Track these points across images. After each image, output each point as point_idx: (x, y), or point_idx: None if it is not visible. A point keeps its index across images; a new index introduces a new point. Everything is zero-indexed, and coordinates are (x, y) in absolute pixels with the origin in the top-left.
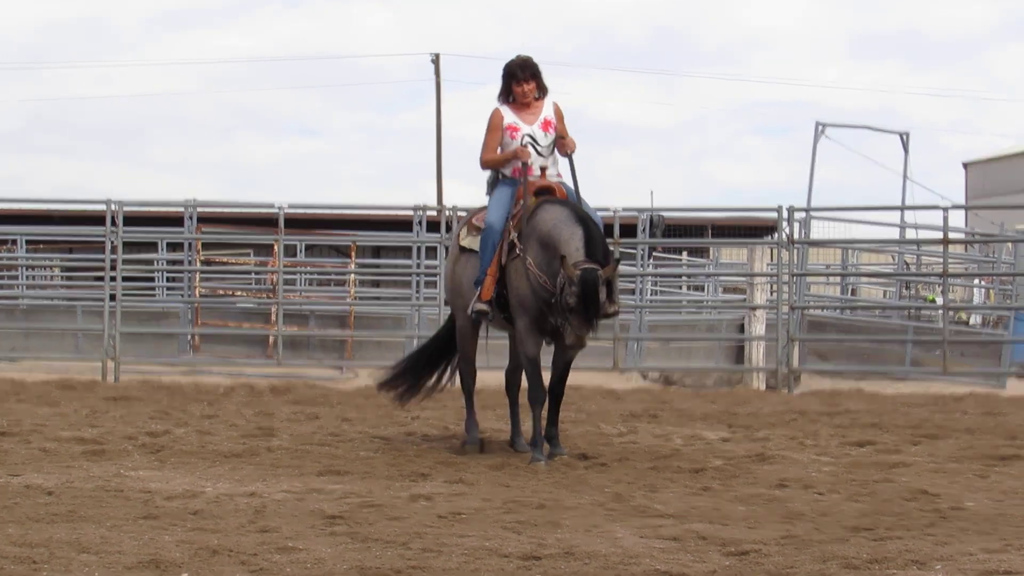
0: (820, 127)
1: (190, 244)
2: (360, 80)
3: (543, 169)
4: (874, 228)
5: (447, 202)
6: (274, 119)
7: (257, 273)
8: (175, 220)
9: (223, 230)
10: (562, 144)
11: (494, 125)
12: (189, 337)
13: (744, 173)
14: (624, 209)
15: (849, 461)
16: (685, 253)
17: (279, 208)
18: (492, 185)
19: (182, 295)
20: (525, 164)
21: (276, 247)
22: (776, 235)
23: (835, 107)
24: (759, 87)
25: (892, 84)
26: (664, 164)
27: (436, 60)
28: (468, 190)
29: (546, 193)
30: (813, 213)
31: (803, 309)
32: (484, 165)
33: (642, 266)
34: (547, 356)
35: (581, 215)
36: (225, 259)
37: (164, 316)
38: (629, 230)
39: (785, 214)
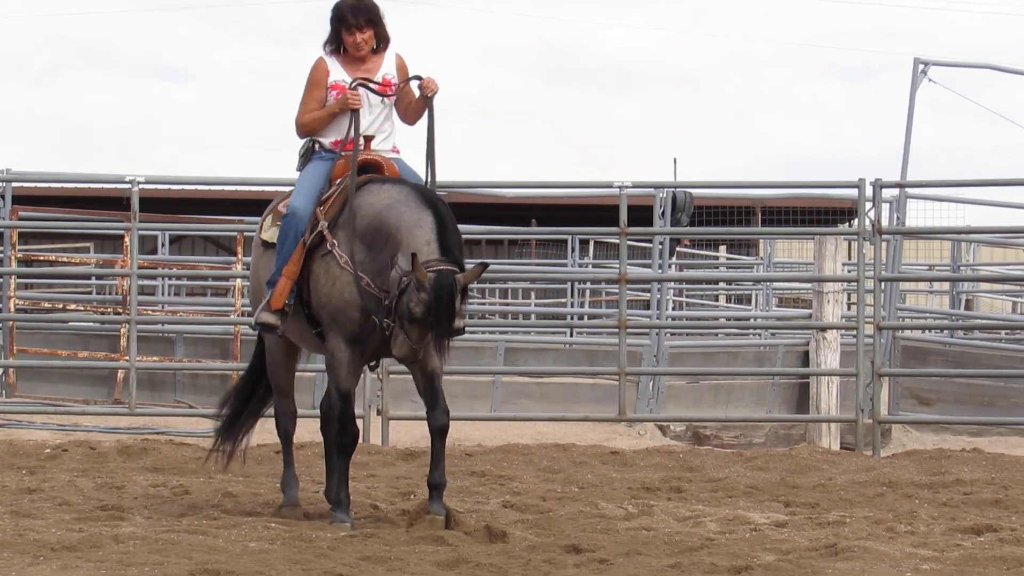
0: (921, 67)
1: (1, 235)
2: None
3: (367, 139)
4: (999, 212)
5: None
6: (123, 56)
7: (100, 278)
8: None
9: (49, 214)
10: (419, 86)
11: (316, 80)
12: (0, 372)
13: (809, 133)
14: (634, 184)
15: (960, 556)
16: (723, 248)
17: (131, 183)
18: (305, 158)
19: None
20: (356, 118)
21: (127, 239)
22: (856, 222)
23: (943, 39)
24: (832, 8)
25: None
26: (692, 120)
27: None
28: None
29: (372, 172)
30: (910, 190)
31: (895, 330)
32: (301, 129)
33: (660, 267)
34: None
35: (427, 196)
36: (53, 257)
37: None
38: (641, 214)
39: (869, 191)
